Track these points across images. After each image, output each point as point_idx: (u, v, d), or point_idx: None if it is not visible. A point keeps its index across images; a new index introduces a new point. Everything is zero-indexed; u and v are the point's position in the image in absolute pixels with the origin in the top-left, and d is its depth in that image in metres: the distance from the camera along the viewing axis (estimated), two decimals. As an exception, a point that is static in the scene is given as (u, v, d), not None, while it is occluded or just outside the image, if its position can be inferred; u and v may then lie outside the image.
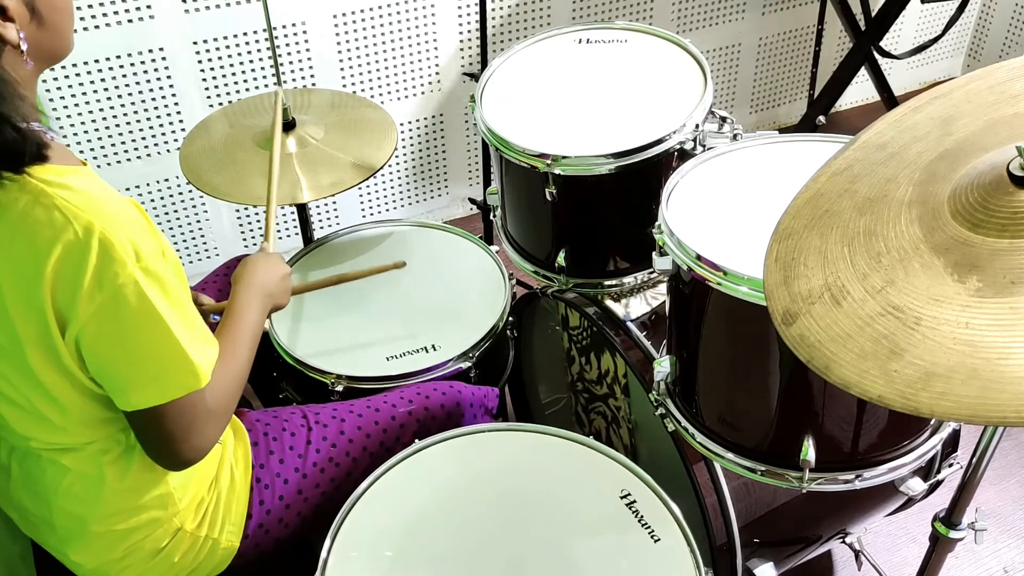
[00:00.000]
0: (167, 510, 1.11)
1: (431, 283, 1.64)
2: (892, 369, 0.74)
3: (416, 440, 1.25)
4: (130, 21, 2.03)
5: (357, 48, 2.31)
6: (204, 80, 2.19)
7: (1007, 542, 1.80)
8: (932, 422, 1.22)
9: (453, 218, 2.72)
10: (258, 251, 1.33)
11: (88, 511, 1.08)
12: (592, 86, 1.54)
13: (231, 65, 2.19)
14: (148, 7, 2.03)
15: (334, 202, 2.55)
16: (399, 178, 2.60)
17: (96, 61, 2.05)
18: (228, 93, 2.23)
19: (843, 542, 1.59)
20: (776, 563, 1.44)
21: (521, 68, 1.61)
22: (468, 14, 2.39)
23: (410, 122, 2.51)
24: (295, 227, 2.48)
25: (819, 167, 0.96)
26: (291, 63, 2.25)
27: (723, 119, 1.39)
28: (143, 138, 2.20)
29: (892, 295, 0.79)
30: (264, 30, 2.17)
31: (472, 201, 2.51)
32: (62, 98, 2.06)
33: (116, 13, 2.01)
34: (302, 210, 1.83)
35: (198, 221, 2.39)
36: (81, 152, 2.15)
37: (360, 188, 2.55)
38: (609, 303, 1.53)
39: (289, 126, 1.63)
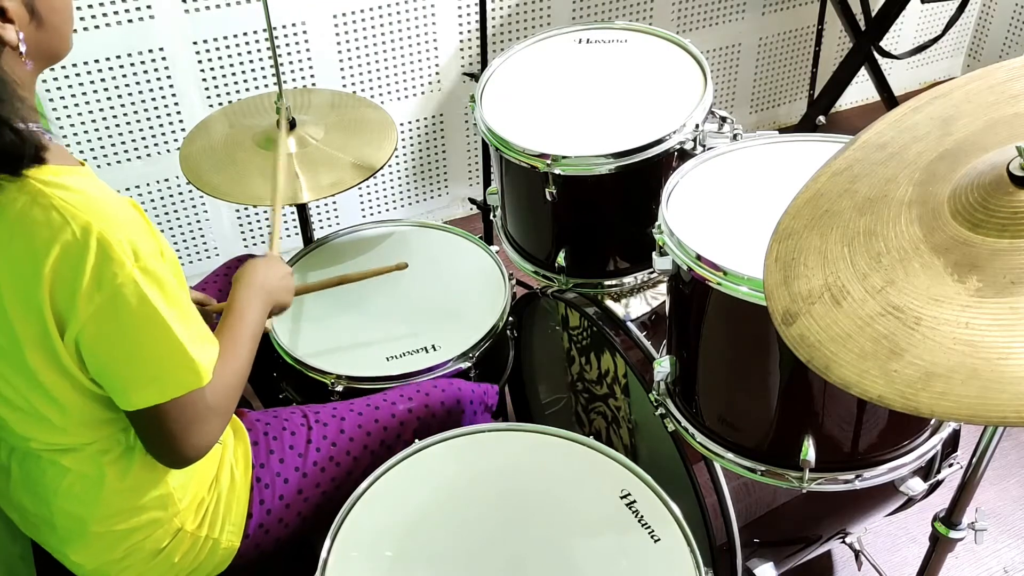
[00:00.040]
0: (167, 510, 1.11)
1: (431, 283, 1.64)
2: (892, 369, 0.74)
3: (416, 438, 1.25)
4: (130, 21, 2.03)
5: (357, 48, 2.31)
6: (204, 80, 2.19)
7: (1007, 542, 1.80)
8: (932, 422, 1.22)
9: (453, 218, 2.72)
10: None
11: (88, 511, 1.08)
12: (592, 86, 1.54)
13: (231, 65, 2.19)
14: (148, 7, 2.03)
15: (334, 202, 2.55)
16: (399, 178, 2.60)
17: (96, 61, 2.05)
18: (228, 93, 2.23)
19: (843, 542, 1.59)
20: (776, 563, 1.44)
21: (521, 68, 1.61)
22: (468, 14, 2.39)
23: (410, 122, 2.51)
24: (295, 227, 2.47)
25: (819, 167, 0.96)
26: (291, 63, 2.25)
27: (723, 119, 1.39)
28: (143, 138, 2.20)
29: (892, 295, 0.79)
30: (264, 30, 2.17)
31: (472, 201, 2.51)
32: (62, 98, 2.06)
33: (116, 13, 2.01)
34: (302, 210, 1.83)
35: (198, 221, 2.39)
36: (81, 152, 2.15)
37: (360, 188, 2.55)
38: (609, 303, 1.53)
39: (289, 126, 1.63)
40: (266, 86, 2.25)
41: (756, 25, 2.81)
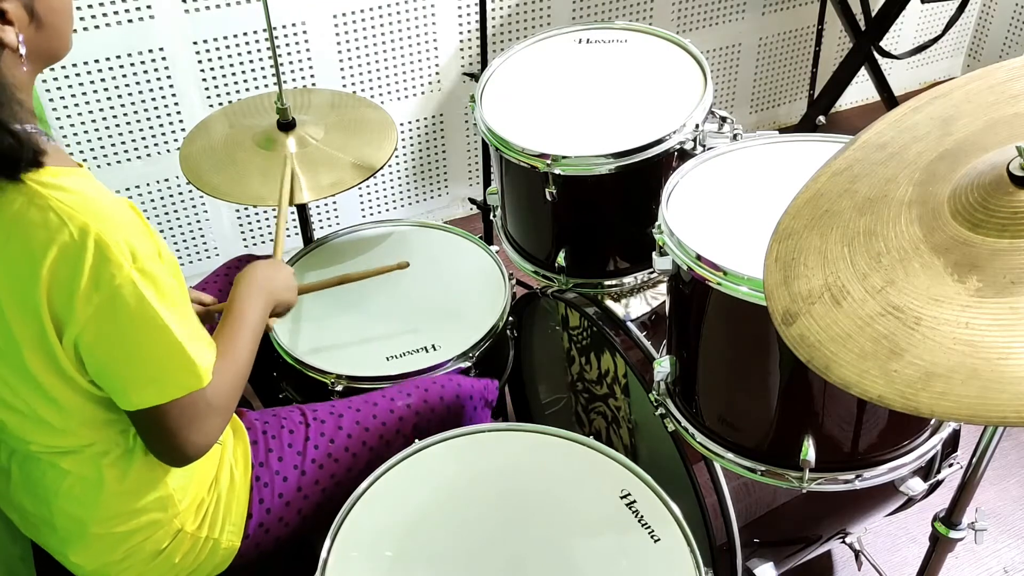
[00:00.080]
0: (167, 512, 1.11)
1: (431, 283, 1.64)
2: (892, 369, 0.74)
3: (416, 434, 1.25)
4: (130, 21, 2.03)
5: (357, 48, 2.31)
6: (204, 80, 2.19)
7: (1007, 542, 1.80)
8: (932, 422, 1.22)
9: (453, 218, 2.72)
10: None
11: (88, 513, 1.08)
12: (592, 86, 1.54)
13: (231, 65, 2.19)
14: (148, 7, 2.03)
15: (334, 202, 2.55)
16: (399, 178, 2.60)
17: (96, 61, 2.05)
18: (228, 93, 2.23)
19: (843, 542, 1.59)
20: (776, 563, 1.44)
21: (521, 68, 1.61)
22: (468, 14, 2.39)
23: (410, 122, 2.51)
24: (295, 227, 2.47)
25: (819, 167, 0.96)
26: (291, 63, 2.25)
27: (723, 119, 1.39)
28: (143, 138, 2.20)
29: (892, 295, 0.79)
30: (264, 30, 2.17)
31: (472, 201, 2.51)
32: (62, 98, 2.06)
33: (116, 13, 2.01)
34: (302, 210, 1.83)
35: (198, 221, 2.39)
36: (81, 152, 2.15)
37: (360, 188, 2.55)
38: (609, 303, 1.53)
39: (289, 126, 1.63)
40: (266, 86, 2.25)
41: (756, 25, 2.81)
